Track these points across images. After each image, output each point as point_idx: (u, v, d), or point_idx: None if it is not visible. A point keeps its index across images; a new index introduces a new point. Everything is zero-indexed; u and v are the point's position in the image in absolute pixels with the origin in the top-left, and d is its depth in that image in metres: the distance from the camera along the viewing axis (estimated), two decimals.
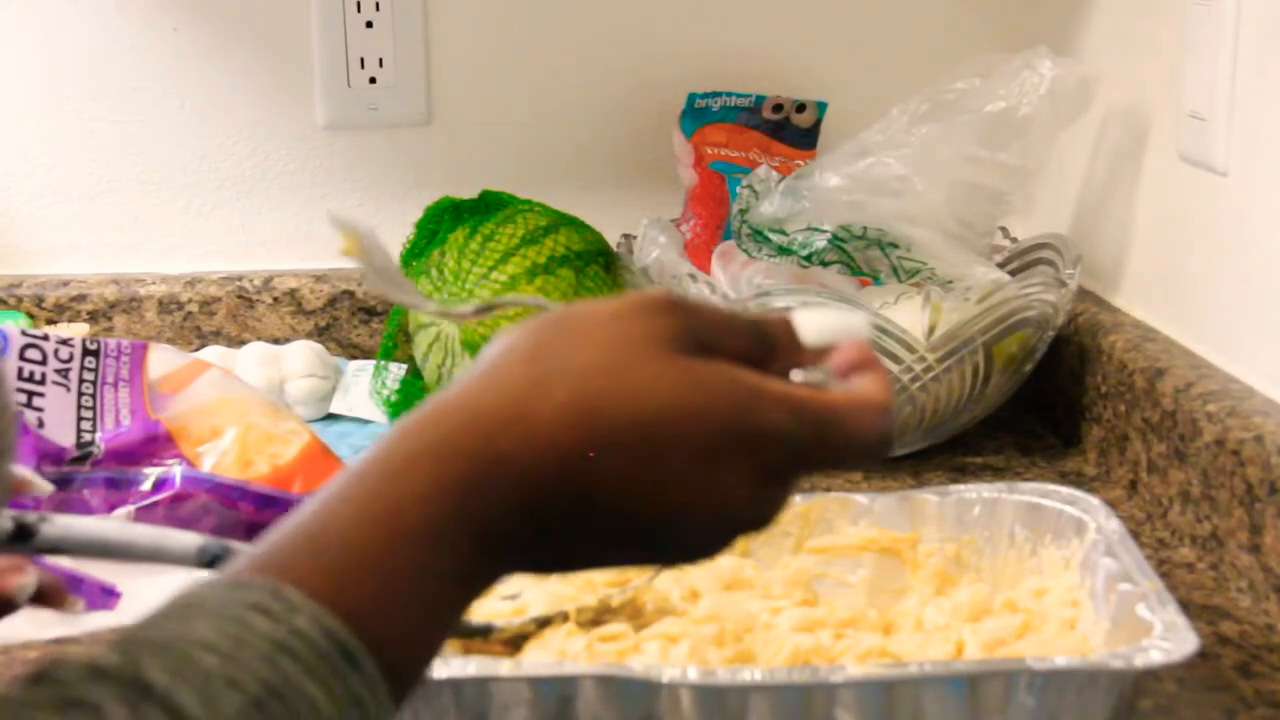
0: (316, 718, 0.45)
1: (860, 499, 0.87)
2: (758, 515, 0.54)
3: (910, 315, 1.07)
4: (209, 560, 0.67)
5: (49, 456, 0.96)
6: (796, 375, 0.57)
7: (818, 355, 0.58)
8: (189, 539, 0.68)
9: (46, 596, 0.73)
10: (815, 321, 0.58)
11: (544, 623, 0.76)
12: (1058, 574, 0.81)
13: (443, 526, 0.50)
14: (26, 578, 0.70)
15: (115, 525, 0.69)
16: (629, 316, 0.54)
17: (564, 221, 1.23)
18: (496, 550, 0.51)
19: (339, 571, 0.48)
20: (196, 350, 1.29)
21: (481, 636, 0.75)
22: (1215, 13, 1.02)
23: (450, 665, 0.68)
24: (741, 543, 0.86)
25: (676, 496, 0.52)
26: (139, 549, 0.68)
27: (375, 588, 0.48)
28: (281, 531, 0.50)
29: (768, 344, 0.56)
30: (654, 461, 0.51)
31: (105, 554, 0.68)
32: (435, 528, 0.50)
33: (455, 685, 0.68)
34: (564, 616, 0.76)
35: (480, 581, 0.52)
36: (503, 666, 0.69)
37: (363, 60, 1.36)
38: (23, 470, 0.77)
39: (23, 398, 0.97)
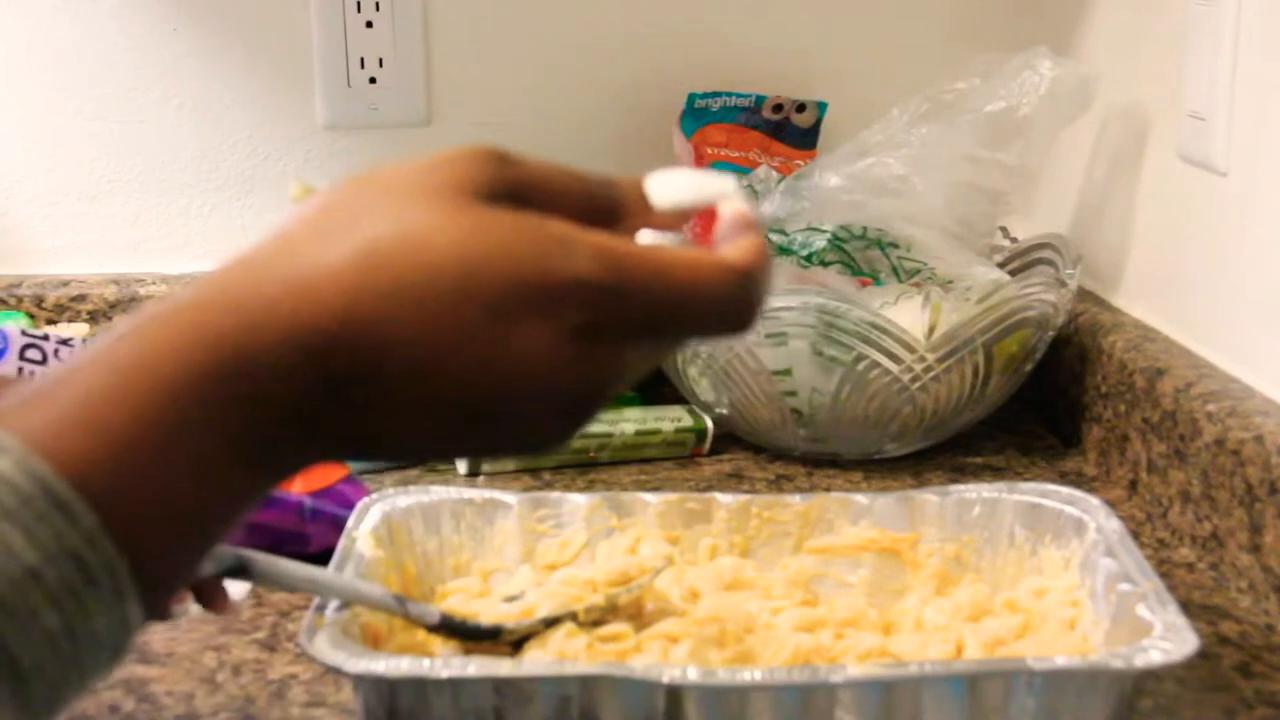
0: (13, 562, 0.41)
1: (860, 499, 0.87)
2: (584, 381, 0.49)
3: (910, 315, 1.07)
4: (224, 569, 0.67)
5: None
6: (645, 238, 0.53)
7: (676, 220, 0.54)
8: None
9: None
10: (670, 182, 0.54)
11: (552, 623, 0.76)
12: (1058, 574, 0.81)
13: (200, 382, 0.44)
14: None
15: None
16: (435, 167, 0.49)
17: None
18: (284, 421, 0.46)
19: (65, 421, 0.43)
20: None
21: (490, 639, 0.75)
22: (1215, 13, 1.02)
23: (450, 665, 0.68)
24: (741, 543, 0.86)
25: (476, 355, 0.47)
26: None
27: (104, 440, 0.43)
28: (29, 384, 0.45)
29: (610, 204, 0.53)
30: (446, 316, 0.46)
31: None
32: (189, 383, 0.44)
33: (455, 685, 0.68)
34: (572, 617, 0.76)
35: (269, 460, 0.47)
36: (503, 666, 0.69)
37: (363, 60, 1.36)
38: None
39: None
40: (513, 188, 0.50)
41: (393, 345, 0.46)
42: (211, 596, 0.70)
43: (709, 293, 0.50)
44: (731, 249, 0.52)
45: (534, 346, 0.47)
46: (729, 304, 0.51)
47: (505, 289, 0.47)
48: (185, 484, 0.45)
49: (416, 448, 0.50)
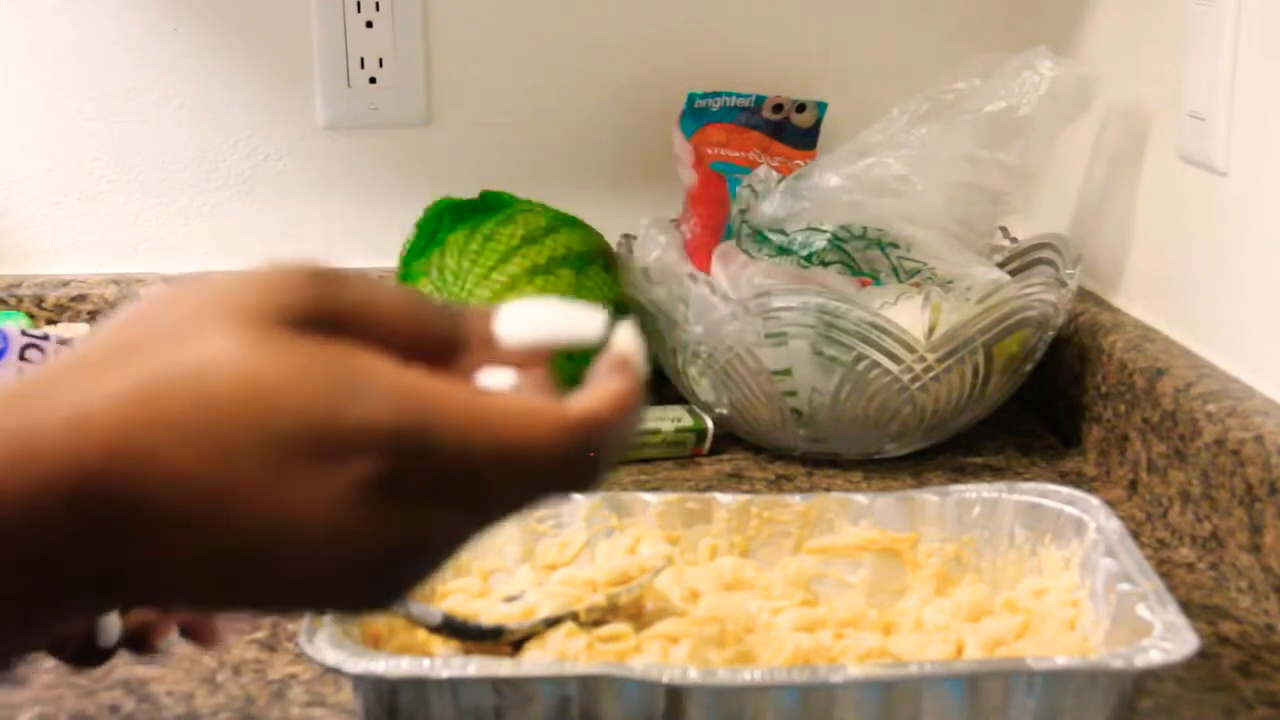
0: None
1: (860, 499, 0.87)
2: (388, 543, 0.43)
3: (910, 315, 1.07)
4: None
5: None
6: (487, 379, 0.47)
7: (527, 359, 0.47)
8: None
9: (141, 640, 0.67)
10: (525, 314, 0.48)
11: (553, 623, 0.76)
12: (1058, 574, 0.81)
13: None
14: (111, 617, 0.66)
15: None
16: (245, 285, 0.44)
17: (564, 221, 1.23)
18: (36, 571, 0.41)
19: None
20: None
21: (492, 639, 0.75)
22: (1215, 13, 1.02)
23: (450, 665, 0.68)
24: (741, 543, 0.86)
25: (253, 504, 0.41)
26: None
27: None
28: None
29: (450, 336, 0.47)
30: (219, 457, 0.41)
31: None
32: None
33: (455, 685, 0.68)
34: (573, 617, 0.76)
35: (23, 611, 0.41)
36: (503, 666, 0.69)
37: (363, 60, 1.36)
38: None
39: None
40: (329, 313, 0.44)
41: (161, 485, 0.41)
42: (199, 631, 0.68)
43: (533, 449, 0.44)
44: (582, 398, 0.46)
45: (316, 499, 0.42)
46: (556, 463, 0.45)
47: (287, 429, 0.41)
48: None
49: (211, 601, 0.45)
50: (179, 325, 0.43)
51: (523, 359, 0.47)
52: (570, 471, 0.45)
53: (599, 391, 0.46)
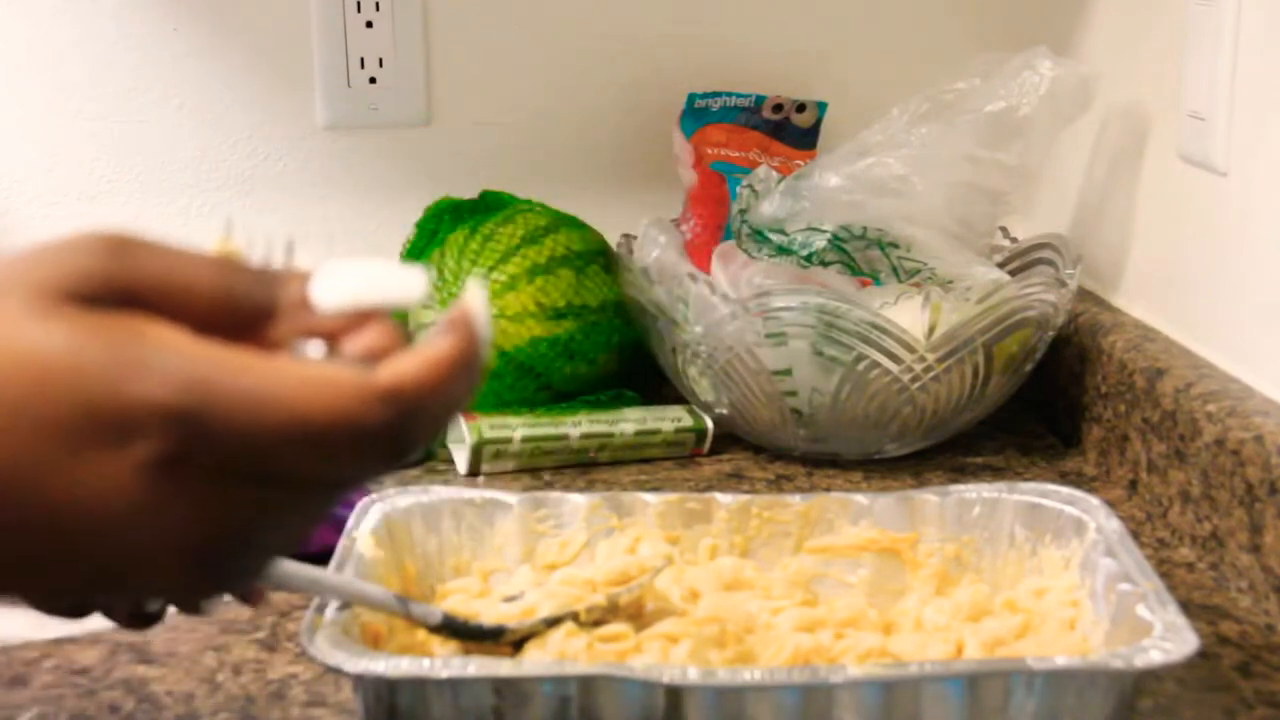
0: None
1: (860, 499, 0.87)
2: (201, 524, 0.41)
3: (910, 315, 1.07)
4: None
5: None
6: (303, 348, 0.44)
7: (342, 325, 0.44)
8: None
9: None
10: (339, 278, 0.44)
11: (553, 623, 0.76)
12: (1058, 574, 0.81)
13: None
14: None
15: None
16: (36, 260, 0.42)
17: (564, 221, 1.23)
18: None
19: None
20: None
21: (492, 639, 0.75)
22: (1215, 13, 1.02)
23: (450, 665, 0.68)
24: (741, 543, 0.86)
25: (44, 487, 0.40)
26: None
27: None
28: None
29: (259, 305, 0.44)
30: (5, 436, 0.40)
31: None
32: None
33: (455, 685, 0.68)
34: (573, 617, 0.76)
35: None
36: (503, 666, 0.69)
37: (363, 60, 1.36)
38: None
39: None
40: (124, 285, 0.42)
41: None
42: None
43: (329, 422, 0.41)
44: (395, 364, 0.43)
45: (102, 481, 0.40)
46: (358, 435, 0.42)
47: (66, 410, 0.40)
48: None
49: (26, 591, 0.43)
50: None
51: (340, 326, 0.44)
52: (377, 443, 0.42)
53: (418, 355, 0.43)
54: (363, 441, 0.42)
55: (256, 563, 0.44)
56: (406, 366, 0.43)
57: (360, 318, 0.44)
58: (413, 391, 0.42)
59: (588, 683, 0.68)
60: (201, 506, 0.41)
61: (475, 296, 0.45)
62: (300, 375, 0.42)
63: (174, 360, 0.41)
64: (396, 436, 0.42)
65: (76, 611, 0.46)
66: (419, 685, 0.68)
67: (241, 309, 0.44)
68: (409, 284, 0.45)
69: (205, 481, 0.41)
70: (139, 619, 0.65)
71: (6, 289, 0.41)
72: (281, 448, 0.41)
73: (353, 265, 0.45)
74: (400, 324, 0.45)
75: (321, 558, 0.78)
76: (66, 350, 0.40)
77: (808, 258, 1.11)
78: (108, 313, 0.41)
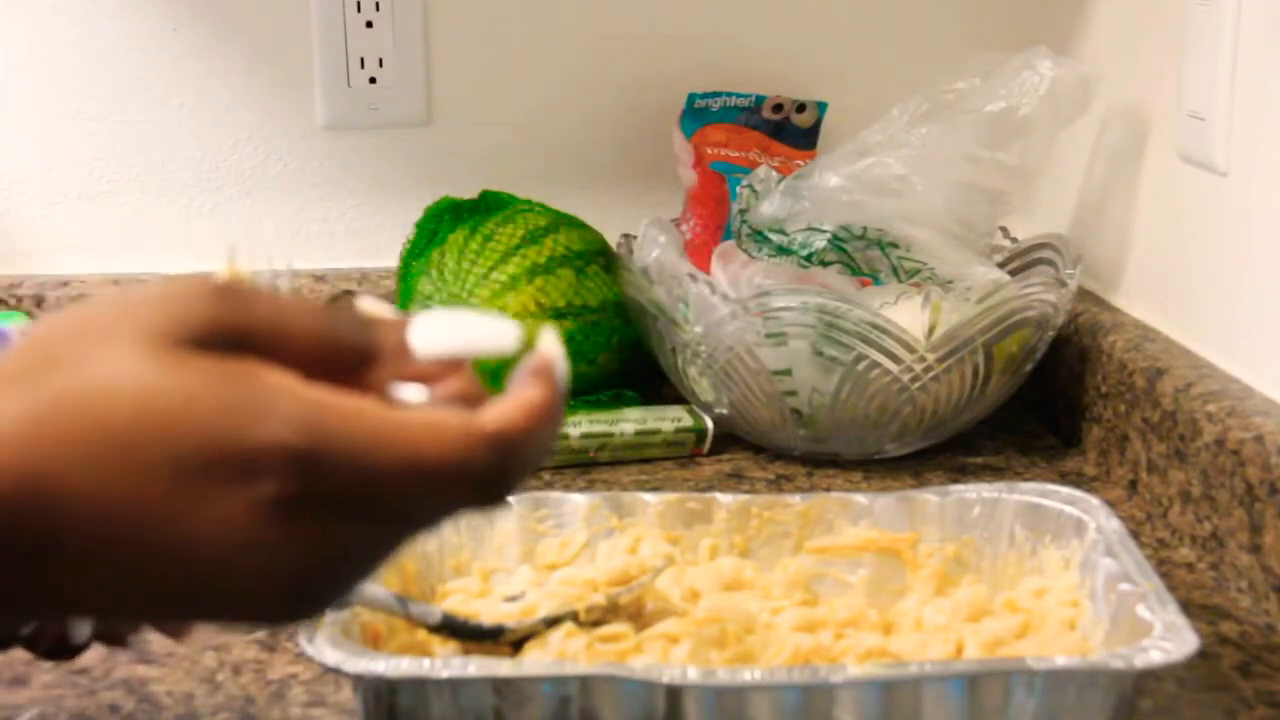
0: None
1: (860, 499, 0.87)
2: (302, 561, 0.43)
3: (910, 315, 1.07)
4: None
5: None
6: (400, 392, 0.47)
7: (439, 371, 0.47)
8: None
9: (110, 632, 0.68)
10: (437, 326, 0.47)
11: (553, 623, 0.76)
12: (1058, 574, 0.81)
13: None
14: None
15: None
16: (147, 304, 0.43)
17: (564, 221, 1.23)
18: None
19: None
20: None
21: (492, 639, 0.75)
22: (1215, 13, 1.02)
23: (450, 665, 0.68)
24: (741, 543, 0.86)
25: (161, 524, 0.41)
26: None
27: None
28: None
29: (361, 350, 0.46)
30: (123, 478, 0.41)
31: None
32: None
33: (455, 685, 0.68)
34: (573, 616, 0.76)
35: None
36: (502, 666, 0.69)
37: (363, 60, 1.36)
38: None
39: None
40: (235, 330, 0.44)
41: (70, 505, 0.41)
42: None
43: (438, 463, 0.44)
44: (495, 409, 0.45)
45: (224, 519, 0.42)
46: (466, 477, 0.44)
47: (188, 452, 0.41)
48: None
49: (125, 613, 0.45)
50: (83, 344, 0.43)
51: (437, 371, 0.47)
52: (481, 484, 0.45)
53: (513, 401, 0.46)
54: (469, 482, 0.44)
55: (341, 592, 0.46)
56: (506, 412, 0.45)
57: (449, 365, 0.47)
58: (515, 436, 0.45)
59: (588, 683, 0.68)
60: (312, 541, 0.43)
61: (551, 342, 0.48)
62: (410, 420, 0.44)
63: (291, 404, 0.43)
64: (499, 478, 0.45)
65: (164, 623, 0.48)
66: (419, 685, 0.68)
67: (343, 353, 0.46)
68: (504, 334, 0.47)
69: (318, 518, 0.43)
70: (63, 651, 0.65)
71: (114, 331, 0.43)
72: (393, 487, 0.44)
73: (448, 315, 0.48)
74: (478, 373, 0.48)
75: None
76: (187, 393, 0.42)
77: (808, 258, 1.11)
78: (222, 356, 0.43)
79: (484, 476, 0.45)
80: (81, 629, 0.66)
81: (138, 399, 0.42)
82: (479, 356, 0.47)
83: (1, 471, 0.41)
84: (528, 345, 0.48)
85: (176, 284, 0.44)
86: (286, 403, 0.42)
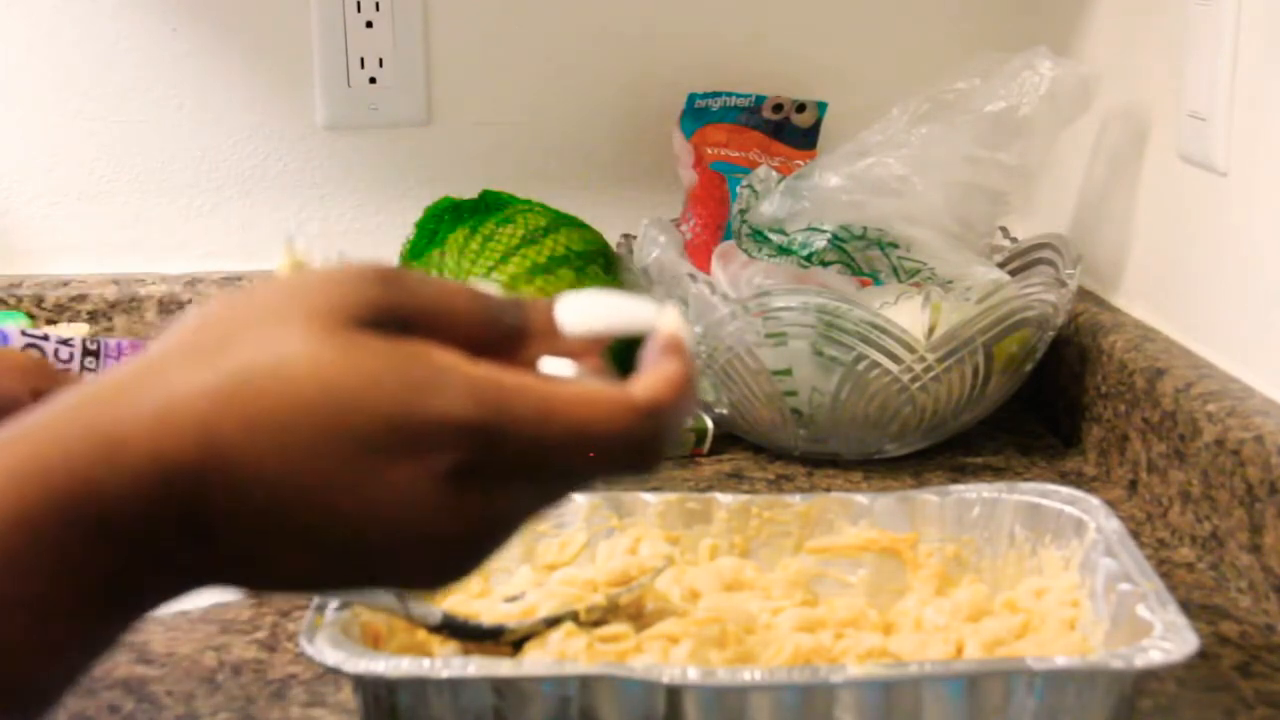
0: None
1: (860, 499, 0.87)
2: (468, 527, 0.46)
3: (910, 315, 1.07)
4: None
5: None
6: (548, 366, 0.49)
7: (587, 348, 0.50)
8: None
9: None
10: (584, 305, 0.50)
11: (553, 623, 0.76)
12: (1058, 574, 0.81)
13: (38, 513, 0.42)
14: None
15: None
16: (316, 287, 0.46)
17: (564, 221, 1.23)
18: (135, 556, 0.43)
19: None
20: None
21: (492, 639, 0.75)
22: (1215, 13, 1.02)
23: (450, 665, 0.68)
24: (741, 543, 0.86)
25: (340, 495, 0.44)
26: None
27: None
28: None
29: (514, 329, 0.49)
30: (305, 453, 0.43)
31: None
32: (23, 513, 0.42)
33: (455, 685, 0.68)
34: (574, 616, 0.76)
35: (122, 596, 0.44)
36: (502, 666, 0.69)
37: (363, 60, 1.36)
38: None
39: None
40: (399, 312, 0.46)
41: (252, 479, 0.43)
42: None
43: (602, 434, 0.46)
44: (643, 382, 0.48)
45: (403, 490, 0.44)
46: (627, 446, 0.47)
47: (370, 427, 0.44)
48: (29, 616, 0.42)
49: (295, 582, 0.47)
50: (256, 325, 0.45)
51: (580, 348, 0.50)
52: (639, 452, 0.47)
53: (659, 374, 0.48)
54: (629, 450, 0.47)
55: (492, 556, 0.48)
56: (655, 384, 0.48)
57: (591, 343, 0.50)
58: (665, 405, 0.48)
59: (588, 683, 0.68)
60: (475, 510, 0.46)
61: (672, 318, 0.50)
62: (573, 393, 0.46)
63: (463, 380, 0.45)
64: (653, 446, 0.48)
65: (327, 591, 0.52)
66: (419, 685, 0.68)
67: (500, 332, 0.48)
68: (645, 312, 0.50)
69: (484, 488, 0.45)
70: None
71: (287, 314, 0.45)
72: (561, 456, 0.46)
73: (592, 295, 0.51)
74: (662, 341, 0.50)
75: None
76: (365, 372, 0.44)
77: (808, 258, 1.11)
78: (392, 337, 0.45)
79: (642, 445, 0.47)
80: None
81: (316, 380, 0.44)
82: (622, 334, 0.50)
83: (185, 443, 0.43)
84: None
85: (340, 270, 0.47)
86: (459, 379, 0.45)
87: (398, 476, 0.44)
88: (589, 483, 0.49)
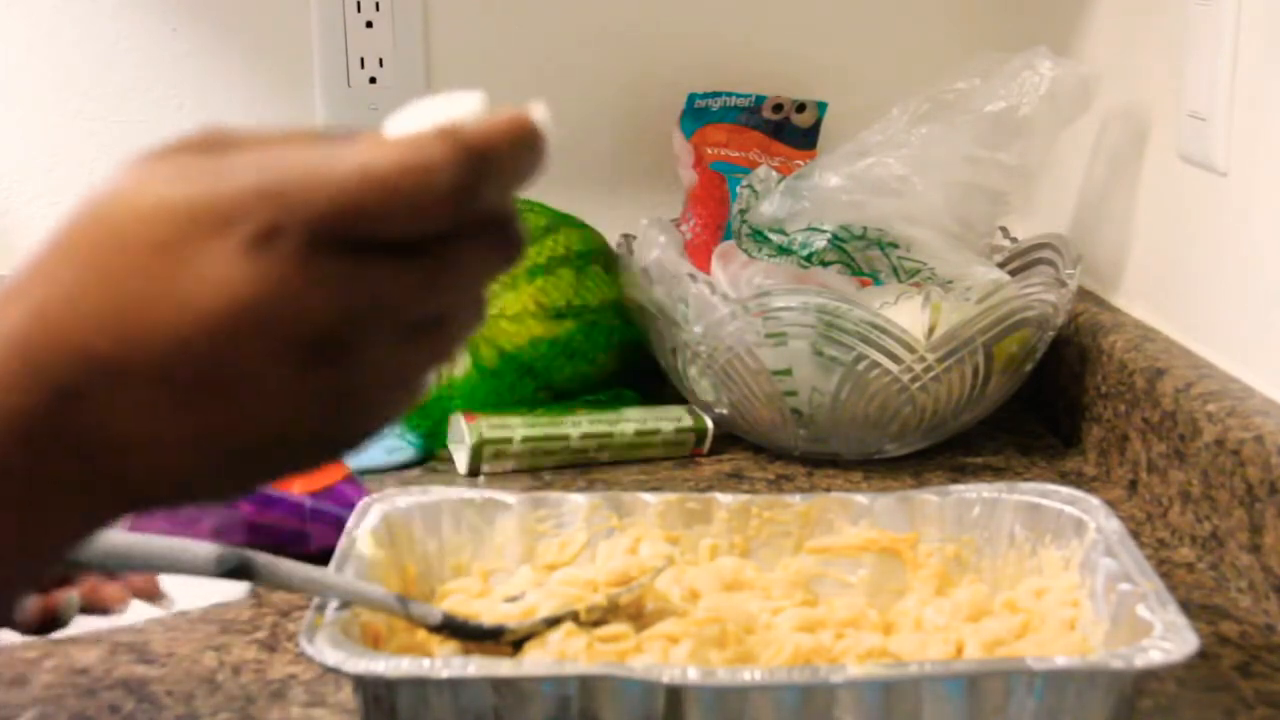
0: None
1: (860, 499, 0.87)
2: (299, 306, 0.43)
3: (910, 315, 1.07)
4: (227, 570, 0.68)
5: None
6: (391, 128, 0.47)
7: None
8: (207, 549, 0.68)
9: (99, 603, 0.73)
10: (409, 114, 0.47)
11: (553, 623, 0.76)
12: (1058, 574, 0.81)
13: None
14: (72, 594, 0.71)
15: (134, 537, 0.69)
16: (163, 143, 0.46)
17: (564, 221, 1.23)
18: (23, 460, 0.43)
19: None
20: None
21: (492, 639, 0.75)
22: (1215, 13, 1.02)
23: (450, 665, 0.68)
24: (741, 543, 0.86)
25: (164, 300, 0.43)
26: (157, 560, 0.68)
27: None
28: None
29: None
30: (128, 280, 0.43)
31: (126, 565, 0.68)
32: None
33: (455, 685, 0.68)
34: (574, 616, 0.76)
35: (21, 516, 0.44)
36: (502, 666, 0.69)
37: (363, 60, 1.36)
38: None
39: None
40: (225, 141, 0.46)
41: (91, 314, 0.43)
42: (148, 591, 0.74)
43: (397, 166, 0.43)
44: (465, 125, 0.45)
45: (220, 273, 0.43)
46: (430, 176, 0.43)
47: (171, 224, 0.43)
48: None
49: (203, 456, 0.45)
50: (100, 191, 0.45)
51: None
52: (448, 188, 0.44)
53: (485, 117, 0.46)
54: (432, 186, 0.43)
55: (370, 399, 0.46)
56: (467, 119, 0.45)
57: None
58: (475, 136, 0.45)
59: (588, 683, 0.68)
60: (306, 288, 0.43)
61: (540, 111, 0.48)
62: (369, 139, 0.45)
63: (254, 155, 0.44)
64: (464, 183, 0.44)
65: (245, 481, 0.48)
66: (419, 685, 0.68)
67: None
68: (466, 103, 0.47)
69: (306, 257, 0.43)
70: (51, 625, 0.68)
71: (131, 166, 0.45)
72: (360, 202, 0.43)
73: (421, 102, 0.48)
74: None
75: (322, 558, 0.78)
76: (164, 176, 0.44)
77: (808, 258, 1.11)
78: (213, 152, 0.45)
79: (447, 177, 0.44)
80: (71, 605, 0.71)
81: (132, 199, 0.44)
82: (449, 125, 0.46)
83: (33, 307, 0.43)
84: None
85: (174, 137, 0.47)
86: (251, 156, 0.44)
87: (208, 261, 0.43)
88: (428, 243, 0.45)
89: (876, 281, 1.12)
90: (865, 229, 1.11)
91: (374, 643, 0.73)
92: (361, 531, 0.81)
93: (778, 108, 1.31)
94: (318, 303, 0.43)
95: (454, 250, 0.45)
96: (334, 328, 0.44)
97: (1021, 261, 1.20)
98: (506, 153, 0.45)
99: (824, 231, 1.11)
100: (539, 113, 0.47)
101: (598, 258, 1.22)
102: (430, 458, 1.15)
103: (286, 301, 0.43)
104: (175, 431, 0.44)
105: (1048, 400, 1.21)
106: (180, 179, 0.44)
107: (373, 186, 0.43)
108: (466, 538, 0.85)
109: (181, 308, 0.43)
